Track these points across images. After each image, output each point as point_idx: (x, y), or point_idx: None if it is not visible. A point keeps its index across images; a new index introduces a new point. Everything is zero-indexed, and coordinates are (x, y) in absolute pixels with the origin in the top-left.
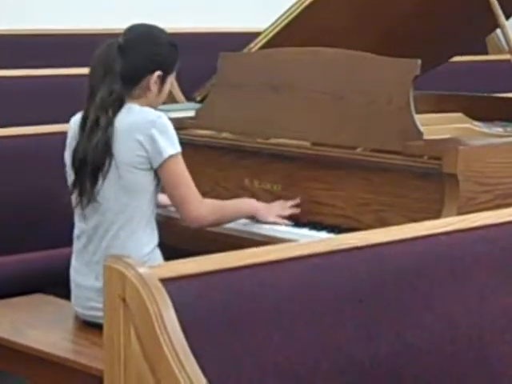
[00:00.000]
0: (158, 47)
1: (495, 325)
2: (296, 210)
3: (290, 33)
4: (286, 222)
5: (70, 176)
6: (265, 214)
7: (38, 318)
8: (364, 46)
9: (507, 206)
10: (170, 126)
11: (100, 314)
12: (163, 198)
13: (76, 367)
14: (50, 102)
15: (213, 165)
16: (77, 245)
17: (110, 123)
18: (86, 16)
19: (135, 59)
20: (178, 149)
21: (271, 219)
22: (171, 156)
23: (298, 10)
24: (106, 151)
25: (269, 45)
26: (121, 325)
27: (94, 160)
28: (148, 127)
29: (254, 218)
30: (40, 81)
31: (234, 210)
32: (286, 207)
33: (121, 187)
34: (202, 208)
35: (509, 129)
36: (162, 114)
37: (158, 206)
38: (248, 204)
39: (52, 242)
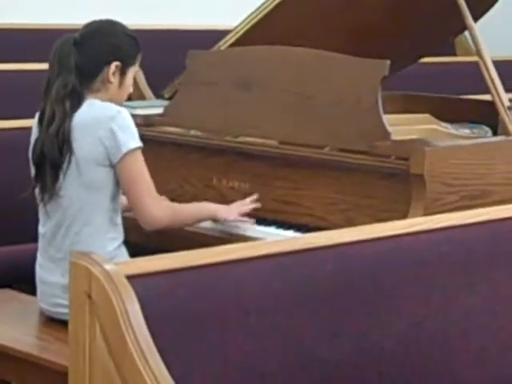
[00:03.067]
0: (113, 38)
1: (459, 325)
2: (256, 205)
3: (260, 31)
4: (247, 219)
5: (32, 171)
6: (225, 214)
7: (2, 314)
8: (334, 45)
9: (473, 207)
10: (131, 121)
11: (65, 310)
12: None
13: (40, 363)
14: (19, 96)
15: (180, 162)
16: (41, 241)
17: (67, 116)
18: (56, 12)
19: (91, 51)
20: (138, 144)
21: (232, 218)
22: (131, 150)
23: (268, 9)
24: (63, 144)
25: (238, 43)
26: (86, 321)
27: (52, 153)
28: (108, 122)
29: (215, 221)
30: (9, 76)
31: (193, 212)
32: (245, 204)
33: (81, 184)
34: (158, 210)
35: (476, 130)
36: (122, 109)
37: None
38: (207, 207)
39: (18, 237)
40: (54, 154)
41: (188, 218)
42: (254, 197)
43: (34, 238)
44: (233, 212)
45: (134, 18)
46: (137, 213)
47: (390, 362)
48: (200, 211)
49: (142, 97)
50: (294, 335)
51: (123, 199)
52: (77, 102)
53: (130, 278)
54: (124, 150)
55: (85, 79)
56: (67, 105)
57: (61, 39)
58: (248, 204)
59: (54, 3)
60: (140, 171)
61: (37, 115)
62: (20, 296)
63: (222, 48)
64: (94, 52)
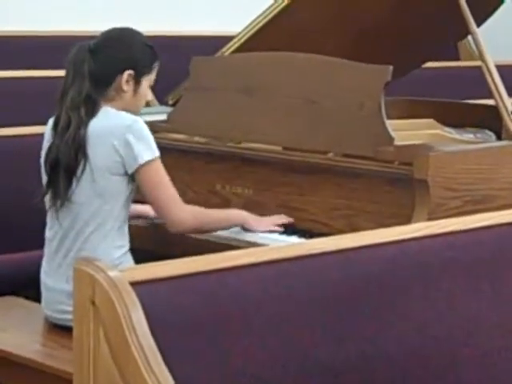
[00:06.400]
0: (127, 47)
1: (463, 329)
2: (289, 220)
3: (263, 37)
4: (276, 228)
5: (44, 177)
6: (255, 224)
7: (7, 321)
8: (337, 51)
9: (476, 212)
10: (147, 131)
11: (70, 317)
12: (146, 208)
13: (45, 370)
14: (33, 103)
15: (184, 169)
16: (48, 247)
17: (82, 123)
18: (65, 18)
19: (104, 59)
20: (155, 154)
21: (262, 229)
22: (148, 162)
23: (271, 15)
24: (78, 151)
25: (241, 49)
26: (90, 327)
27: (66, 160)
28: (123, 132)
29: (242, 228)
30: (22, 82)
31: (221, 218)
32: (277, 222)
33: (95, 191)
34: (183, 213)
35: (479, 135)
36: (138, 118)
37: (142, 216)
38: (238, 214)
39: (23, 244)
40: (70, 160)
41: (216, 222)
42: (290, 220)
43: (38, 244)
44: (263, 223)
45: (136, 25)
46: (163, 217)
47: (395, 367)
48: (229, 217)
49: (146, 103)
50: (298, 341)
51: (133, 208)
52: (92, 109)
53: (133, 284)
54: (140, 162)
55: (99, 87)
56: (82, 112)
57: (76, 46)
58: (280, 219)
59: (66, 9)
60: (160, 179)
61: (50, 121)
62: (25, 303)
63: (226, 54)
64: (107, 60)
